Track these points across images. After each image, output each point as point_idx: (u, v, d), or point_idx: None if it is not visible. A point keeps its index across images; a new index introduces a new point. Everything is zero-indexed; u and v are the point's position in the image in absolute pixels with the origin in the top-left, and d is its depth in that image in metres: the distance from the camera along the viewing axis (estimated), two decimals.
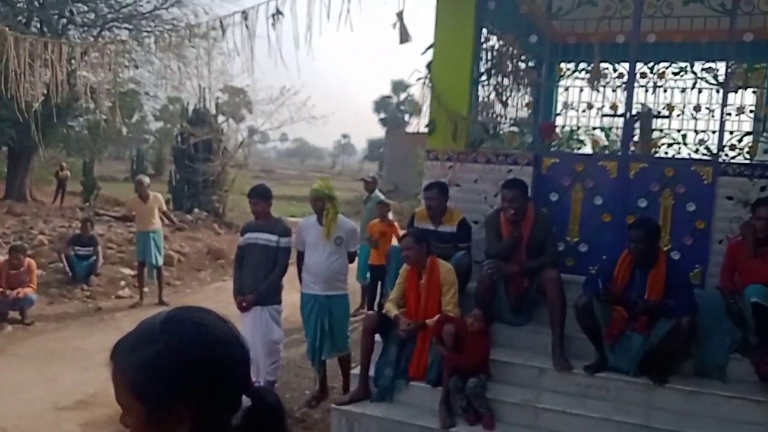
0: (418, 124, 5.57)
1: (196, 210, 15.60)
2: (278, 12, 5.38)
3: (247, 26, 5.62)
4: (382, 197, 8.42)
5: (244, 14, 5.62)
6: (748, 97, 6.06)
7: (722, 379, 4.52)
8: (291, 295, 5.90)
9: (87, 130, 19.59)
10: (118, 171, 33.98)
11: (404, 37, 5.15)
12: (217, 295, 8.94)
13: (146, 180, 8.93)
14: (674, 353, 4.50)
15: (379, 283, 7.57)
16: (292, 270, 5.43)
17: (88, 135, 19.60)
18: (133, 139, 35.67)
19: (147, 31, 15.40)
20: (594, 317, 4.52)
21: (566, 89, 6.29)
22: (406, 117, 47.29)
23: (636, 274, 4.58)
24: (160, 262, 8.87)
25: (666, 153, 5.71)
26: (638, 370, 4.49)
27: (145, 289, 8.97)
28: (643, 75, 5.67)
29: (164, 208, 9.30)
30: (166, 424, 1.06)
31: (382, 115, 50.79)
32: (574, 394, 4.56)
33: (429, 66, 5.76)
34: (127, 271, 10.01)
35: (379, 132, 49.84)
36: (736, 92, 5.50)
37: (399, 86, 48.82)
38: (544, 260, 4.94)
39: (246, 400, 1.17)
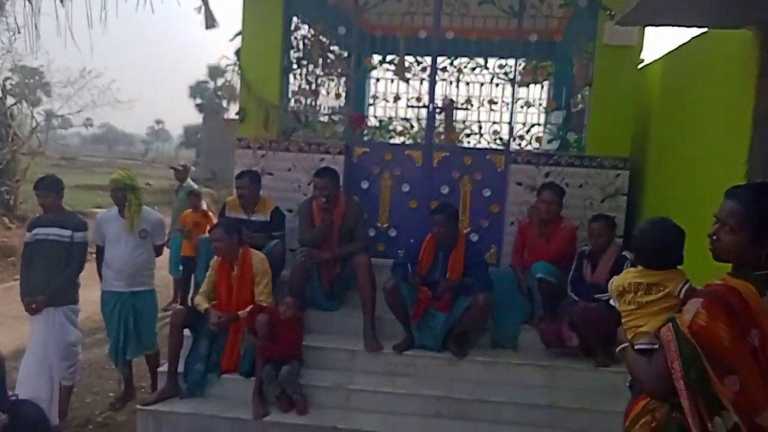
0: (235, 111, 5.44)
1: None
2: None
3: (30, 1, 5.09)
4: (195, 186, 8.10)
5: None
6: (537, 92, 6.69)
7: (514, 348, 4.98)
8: (93, 293, 5.48)
9: None
10: None
11: (210, 22, 4.98)
12: (6, 297, 8.04)
13: None
14: (472, 328, 4.87)
15: (193, 276, 7.30)
16: (91, 266, 5.04)
17: None
18: None
19: None
20: (401, 298, 4.76)
21: (377, 80, 6.47)
22: (224, 103, 45.80)
23: (439, 256, 4.88)
24: None
25: (469, 143, 6.12)
26: (442, 346, 4.80)
27: None
28: (445, 69, 6.02)
29: None
30: None
31: (199, 101, 48.68)
32: (384, 373, 4.77)
33: (238, 53, 5.63)
34: None
35: (196, 118, 47.76)
36: (527, 86, 6.02)
37: (216, 71, 47.05)
38: (356, 246, 5.08)
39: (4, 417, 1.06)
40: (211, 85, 48.85)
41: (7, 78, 15.82)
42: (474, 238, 5.67)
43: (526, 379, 4.73)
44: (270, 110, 5.51)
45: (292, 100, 5.88)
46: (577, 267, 4.97)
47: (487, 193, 5.73)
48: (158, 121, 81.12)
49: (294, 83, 5.90)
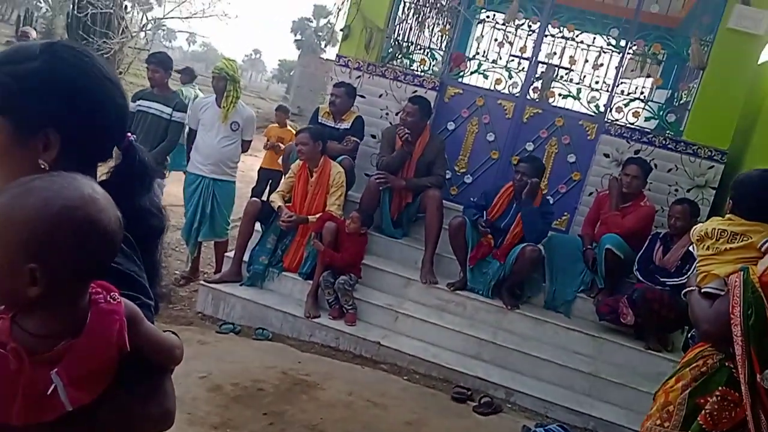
0: (335, 41, 5.43)
1: None
2: None
3: None
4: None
5: None
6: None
7: (567, 314, 4.97)
8: (173, 187, 5.76)
9: None
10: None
11: None
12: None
13: (32, 33, 8.16)
14: (519, 279, 4.88)
15: (268, 187, 7.53)
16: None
17: None
18: (21, 2, 32.34)
19: None
20: (465, 238, 4.80)
21: (481, 22, 6.35)
22: (322, 44, 46.20)
23: (512, 207, 4.88)
24: None
25: (563, 105, 5.98)
26: (491, 293, 4.84)
27: None
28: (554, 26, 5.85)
29: None
30: (31, 145, 0.99)
31: (298, 37, 49.26)
32: (434, 307, 4.86)
33: None
34: None
35: (292, 54, 48.43)
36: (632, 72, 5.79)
37: (321, 11, 47.49)
38: (430, 180, 5.12)
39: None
40: (314, 23, 49.27)
41: None
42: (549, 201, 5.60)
43: (572, 345, 4.73)
44: (374, 32, 5.55)
45: (397, 27, 5.89)
46: (648, 247, 4.87)
47: (571, 158, 5.63)
48: (256, 51, 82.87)
49: (402, 11, 5.90)
